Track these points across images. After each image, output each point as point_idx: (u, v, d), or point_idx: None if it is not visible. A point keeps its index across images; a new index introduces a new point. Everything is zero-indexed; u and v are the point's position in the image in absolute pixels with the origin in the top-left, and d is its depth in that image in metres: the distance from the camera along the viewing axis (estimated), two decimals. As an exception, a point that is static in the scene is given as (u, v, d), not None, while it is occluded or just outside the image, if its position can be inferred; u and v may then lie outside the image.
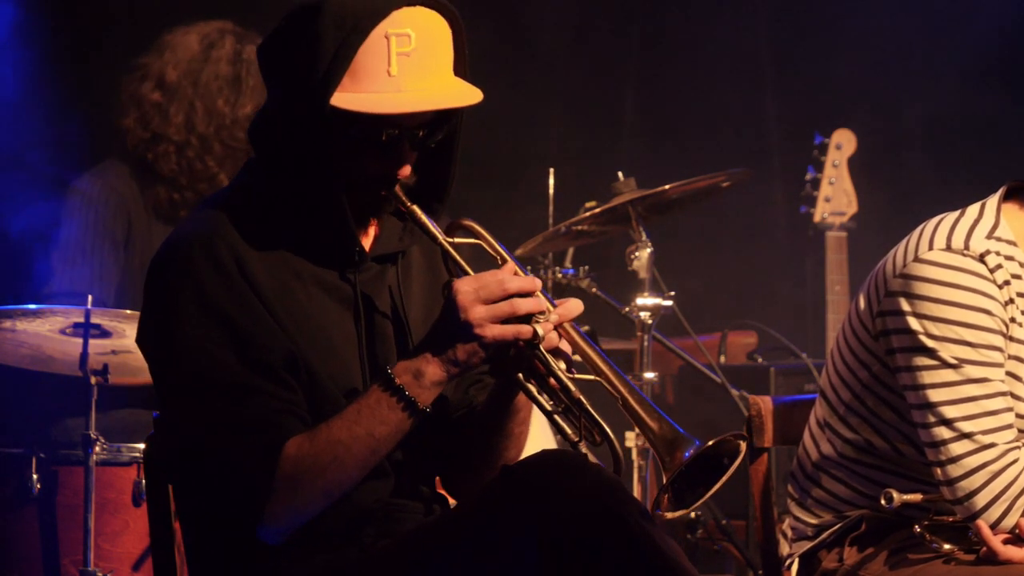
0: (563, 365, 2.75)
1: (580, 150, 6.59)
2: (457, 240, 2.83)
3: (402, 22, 2.72)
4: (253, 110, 4.65)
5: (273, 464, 2.69)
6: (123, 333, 4.16)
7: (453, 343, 2.72)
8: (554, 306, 2.76)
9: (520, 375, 2.77)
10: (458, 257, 2.82)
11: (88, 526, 4.08)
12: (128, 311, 4.13)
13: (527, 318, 2.72)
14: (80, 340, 4.10)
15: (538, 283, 2.75)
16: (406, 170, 2.79)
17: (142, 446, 3.78)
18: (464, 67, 2.81)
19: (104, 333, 4.15)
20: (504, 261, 2.79)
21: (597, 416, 2.75)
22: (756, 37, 6.86)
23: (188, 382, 2.72)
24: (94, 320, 4.09)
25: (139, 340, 2.82)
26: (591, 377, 2.78)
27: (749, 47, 6.86)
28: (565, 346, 2.77)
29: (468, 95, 2.78)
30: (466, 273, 2.79)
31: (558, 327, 2.75)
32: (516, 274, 2.74)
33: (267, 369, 2.72)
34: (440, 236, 2.81)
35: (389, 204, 2.83)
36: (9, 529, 4.20)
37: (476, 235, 2.85)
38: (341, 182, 2.76)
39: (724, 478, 2.76)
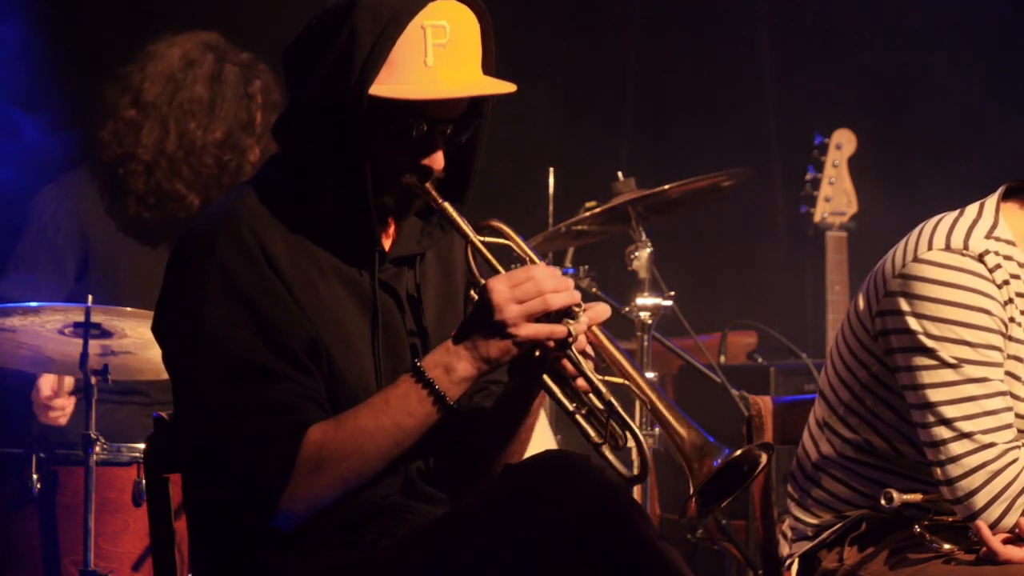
0: (592, 366, 2.76)
1: (580, 150, 6.59)
2: (486, 239, 2.85)
3: (437, 14, 2.75)
4: (223, 135, 4.65)
5: (294, 449, 2.70)
6: (123, 333, 4.16)
7: (487, 340, 2.73)
8: (583, 309, 2.77)
9: (545, 376, 2.78)
10: (489, 255, 2.83)
11: (88, 526, 4.08)
12: (129, 308, 4.13)
13: (559, 319, 2.73)
14: (80, 340, 4.10)
15: (570, 283, 2.76)
16: (439, 162, 2.80)
17: (142, 446, 3.78)
18: (491, 63, 2.84)
19: (104, 333, 4.15)
20: (533, 262, 2.81)
21: (628, 419, 2.76)
22: (756, 37, 6.86)
23: (211, 364, 2.72)
24: (94, 320, 4.09)
25: (156, 326, 2.83)
26: (620, 380, 2.79)
27: (749, 47, 6.86)
28: (590, 349, 2.78)
29: (502, 85, 2.80)
30: (497, 272, 2.80)
31: (587, 330, 2.77)
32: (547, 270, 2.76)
33: (290, 354, 2.74)
34: (472, 234, 2.83)
35: (419, 201, 2.84)
36: (9, 529, 4.20)
37: (504, 236, 2.87)
38: (369, 180, 2.77)
39: (746, 484, 2.79)
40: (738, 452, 2.75)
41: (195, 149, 4.63)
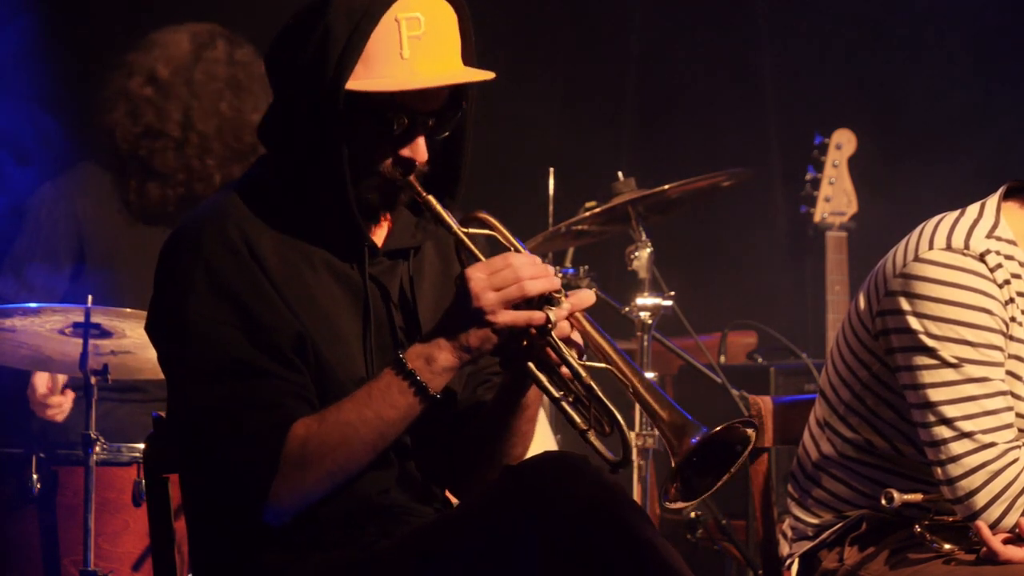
0: (575, 354, 2.76)
1: (580, 150, 6.59)
2: (472, 231, 2.84)
3: (411, 6, 2.76)
4: (259, 116, 4.65)
5: (280, 443, 2.70)
6: (123, 333, 4.16)
7: (466, 329, 2.73)
8: (567, 296, 2.77)
9: (531, 364, 2.78)
10: (473, 247, 2.83)
11: (88, 526, 4.08)
12: (128, 309, 4.13)
13: (539, 305, 2.73)
14: (80, 340, 4.10)
15: (550, 270, 2.76)
16: (422, 154, 2.79)
17: (142, 446, 3.78)
18: (471, 54, 2.83)
19: (104, 333, 4.15)
20: (518, 250, 2.80)
21: (609, 404, 2.75)
22: (756, 36, 6.86)
23: (197, 361, 2.73)
24: (94, 320, 4.09)
25: (148, 325, 2.83)
26: (602, 365, 2.79)
27: (749, 47, 6.85)
28: (577, 336, 2.77)
29: (479, 73, 2.80)
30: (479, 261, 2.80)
31: (570, 316, 2.76)
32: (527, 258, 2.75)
33: (276, 351, 2.74)
34: (455, 226, 2.83)
35: (404, 195, 2.84)
36: (9, 529, 4.20)
37: (490, 227, 2.87)
38: (352, 176, 2.77)
39: (735, 467, 2.76)
40: (718, 428, 2.73)
41: (230, 125, 4.63)
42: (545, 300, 2.75)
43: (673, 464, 2.72)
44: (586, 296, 2.79)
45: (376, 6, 2.74)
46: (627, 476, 4.95)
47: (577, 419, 2.78)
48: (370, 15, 2.73)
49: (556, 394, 2.78)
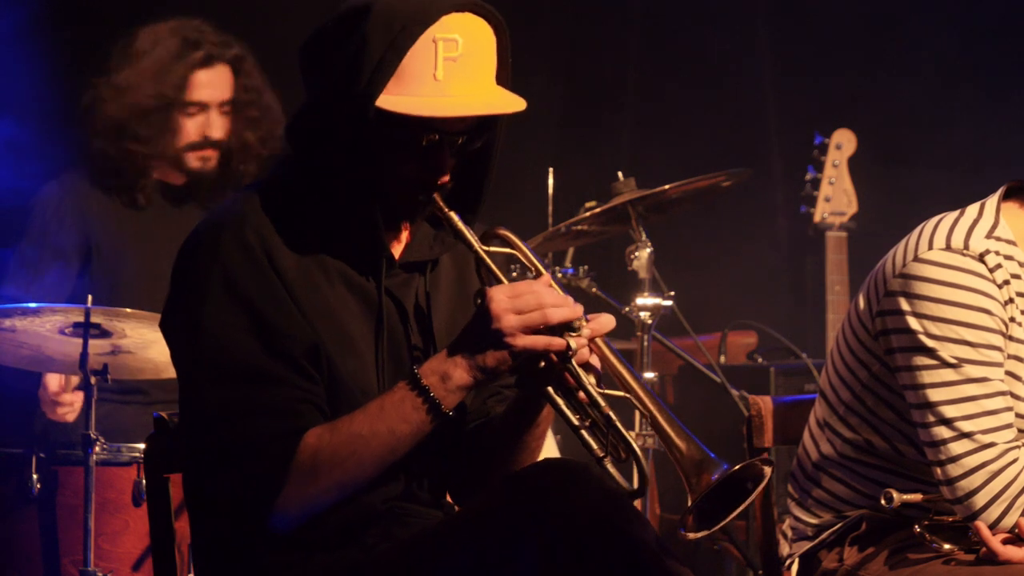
0: (593, 380, 2.75)
1: (580, 150, 6.59)
2: (492, 249, 2.84)
3: (450, 27, 2.73)
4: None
5: (291, 451, 2.70)
6: (123, 333, 4.16)
7: (483, 349, 2.72)
8: (587, 321, 2.76)
9: (549, 388, 2.77)
10: (493, 266, 2.82)
11: (88, 526, 4.08)
12: (128, 309, 4.13)
13: (560, 331, 2.73)
14: (80, 340, 4.10)
15: (572, 302, 2.75)
16: (446, 173, 2.79)
17: (142, 446, 3.78)
18: (507, 76, 2.82)
19: (104, 333, 4.15)
20: (539, 272, 2.80)
21: (625, 432, 2.74)
22: (756, 37, 6.86)
23: (211, 366, 2.72)
24: (94, 320, 4.09)
25: (163, 324, 2.83)
26: (621, 393, 2.78)
27: (749, 47, 6.86)
28: (595, 361, 2.77)
29: (512, 102, 2.78)
30: (500, 282, 2.79)
31: (590, 342, 2.76)
32: (551, 286, 2.74)
33: (289, 358, 2.74)
34: (476, 244, 2.81)
35: (425, 210, 2.83)
36: (9, 529, 4.20)
37: (511, 244, 2.85)
38: (376, 187, 2.77)
39: (747, 502, 2.76)
40: (737, 467, 2.73)
41: (275, 140, 4.67)
42: (565, 325, 2.74)
43: (690, 502, 2.72)
44: (606, 322, 2.78)
45: (415, 24, 2.71)
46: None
47: (594, 445, 2.77)
48: (408, 32, 2.71)
49: (574, 420, 2.76)
